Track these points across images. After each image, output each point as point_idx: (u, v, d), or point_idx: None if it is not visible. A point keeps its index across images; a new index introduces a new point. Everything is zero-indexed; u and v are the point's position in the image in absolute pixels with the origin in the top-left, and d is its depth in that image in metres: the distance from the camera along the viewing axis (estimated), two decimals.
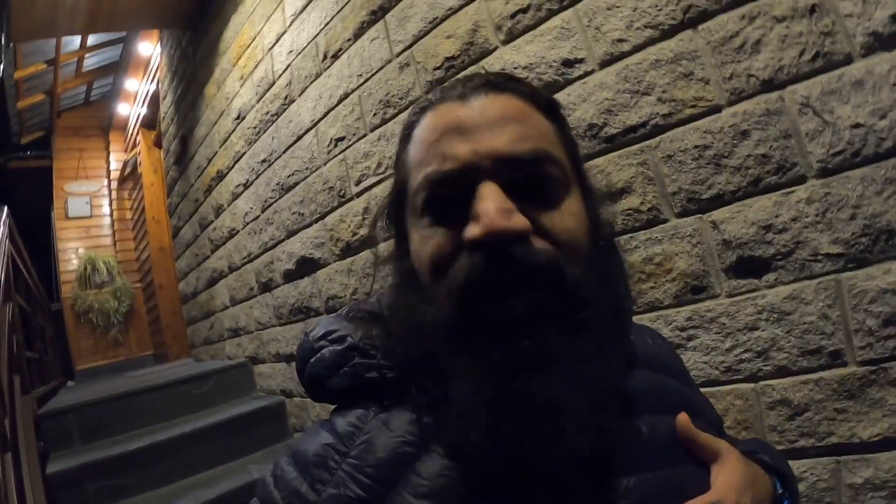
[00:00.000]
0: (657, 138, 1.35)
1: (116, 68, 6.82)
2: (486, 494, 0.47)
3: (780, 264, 1.19)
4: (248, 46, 3.21)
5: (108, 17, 4.10)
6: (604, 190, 0.68)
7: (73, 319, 6.93)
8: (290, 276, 2.93)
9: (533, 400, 0.45)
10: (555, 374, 0.46)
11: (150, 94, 5.92)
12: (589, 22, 1.46)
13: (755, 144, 1.20)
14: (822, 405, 1.15)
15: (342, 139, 2.39)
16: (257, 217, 3.22)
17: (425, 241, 0.54)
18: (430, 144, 0.55)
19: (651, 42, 1.35)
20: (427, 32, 1.92)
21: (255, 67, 3.13)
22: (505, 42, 1.67)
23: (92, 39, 5.90)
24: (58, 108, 7.14)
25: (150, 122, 6.27)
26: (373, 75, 2.19)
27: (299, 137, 2.72)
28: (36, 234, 5.30)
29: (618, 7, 1.40)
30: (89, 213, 7.46)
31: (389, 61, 2.10)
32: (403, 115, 2.02)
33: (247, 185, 3.31)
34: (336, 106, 2.42)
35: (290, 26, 2.76)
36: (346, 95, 2.35)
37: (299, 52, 2.68)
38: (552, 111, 0.59)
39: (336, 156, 2.45)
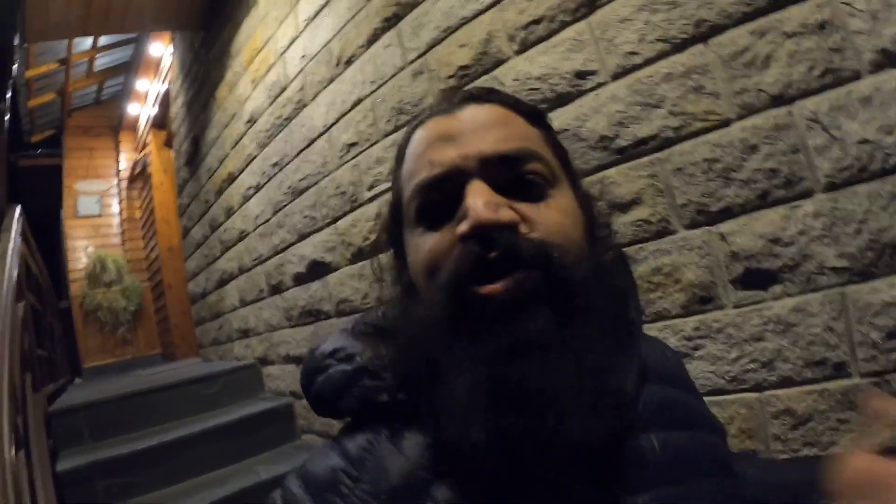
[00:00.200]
0: (667, 151, 1.37)
1: (128, 68, 6.85)
2: None
3: (787, 277, 1.20)
4: (261, 50, 3.23)
5: (120, 19, 4.13)
6: (596, 194, 0.69)
7: (82, 317, 6.95)
8: (300, 280, 2.94)
9: (527, 387, 0.44)
10: (548, 360, 0.45)
11: (160, 94, 5.95)
12: (602, 34, 1.47)
13: (764, 158, 1.22)
14: (826, 415, 1.16)
15: (355, 144, 2.41)
16: (268, 220, 3.23)
17: (420, 247, 0.55)
18: (419, 156, 0.57)
19: (663, 55, 1.37)
20: (441, 41, 1.94)
21: (268, 71, 3.15)
22: (518, 52, 1.69)
23: (104, 40, 5.94)
24: (68, 108, 7.17)
25: (160, 123, 6.30)
26: (386, 82, 2.20)
27: (312, 142, 2.73)
28: (45, 232, 5.33)
29: (630, 20, 1.42)
30: (99, 211, 7.49)
31: (403, 68, 2.12)
32: None
33: (258, 188, 3.33)
34: (349, 111, 2.44)
35: (303, 31, 2.78)
36: (360, 101, 2.36)
37: (312, 57, 2.70)
38: (536, 118, 0.60)
39: (349, 161, 2.46)
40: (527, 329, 0.46)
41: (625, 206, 1.44)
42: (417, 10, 2.04)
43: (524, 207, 0.51)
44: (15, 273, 2.58)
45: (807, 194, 1.17)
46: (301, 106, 2.82)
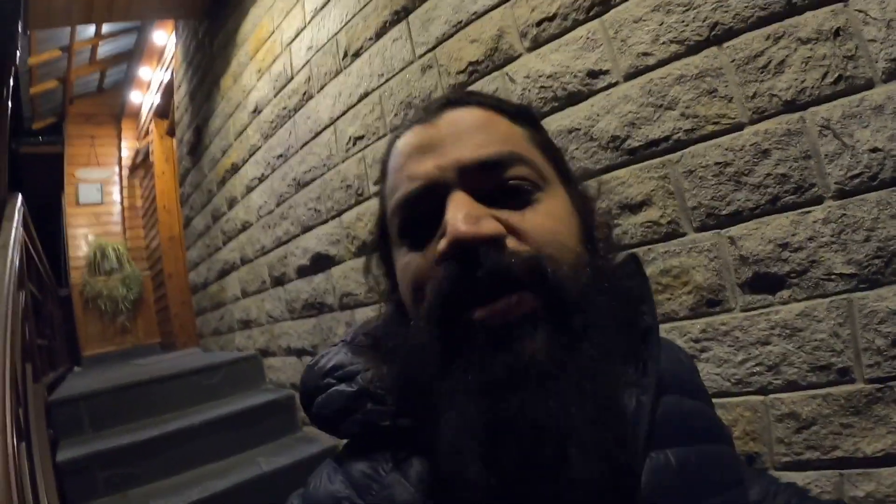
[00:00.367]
0: (679, 153, 1.37)
1: (130, 56, 6.83)
2: None
3: (795, 282, 1.21)
4: (267, 40, 3.22)
5: (125, 7, 4.13)
6: (595, 192, 0.65)
7: (82, 305, 6.96)
8: (303, 272, 2.95)
9: (525, 422, 0.42)
10: (545, 391, 0.42)
11: (163, 83, 5.92)
12: (615, 34, 1.47)
13: (775, 164, 1.22)
14: (829, 420, 1.17)
15: (361, 138, 2.41)
16: (272, 211, 3.23)
17: (405, 268, 0.52)
18: (399, 170, 0.54)
19: (676, 57, 1.37)
20: (451, 35, 1.94)
21: (274, 62, 3.14)
22: (530, 49, 1.69)
23: (106, 28, 5.92)
24: (71, 95, 7.14)
25: (163, 112, 6.28)
26: (394, 75, 2.20)
27: (317, 134, 2.73)
28: (46, 219, 5.33)
29: (644, 21, 1.42)
30: (100, 199, 7.49)
31: (412, 62, 2.11)
32: None
33: (262, 179, 3.33)
34: (356, 104, 2.43)
35: (310, 22, 2.77)
36: (367, 94, 2.36)
37: (319, 49, 2.69)
38: (521, 117, 0.58)
39: (355, 154, 2.46)
40: (521, 357, 0.43)
41: (635, 207, 1.45)
42: (427, 3, 2.03)
43: (510, 216, 0.49)
44: (17, 263, 2.58)
45: (817, 201, 1.18)
46: (307, 97, 2.82)
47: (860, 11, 1.10)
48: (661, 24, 1.38)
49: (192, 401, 3.27)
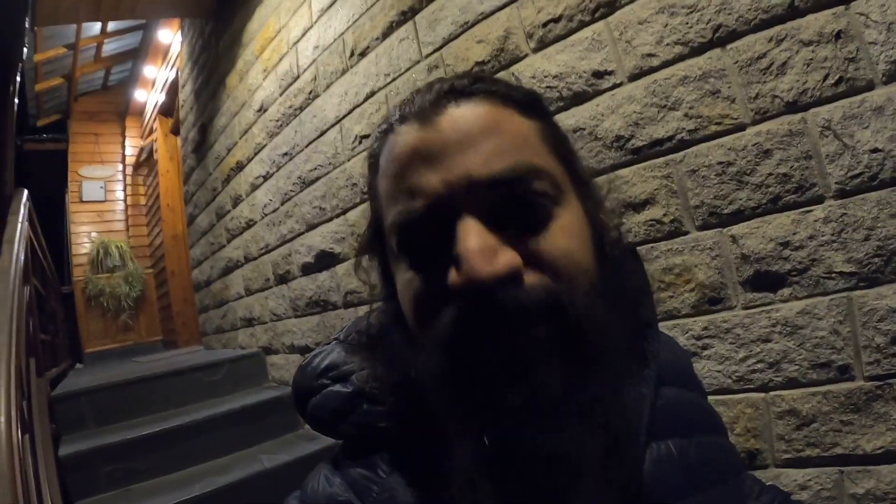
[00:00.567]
0: (682, 153, 1.39)
1: (135, 55, 6.85)
2: None
3: (796, 280, 1.23)
4: (273, 39, 3.24)
5: (132, 5, 4.14)
6: (605, 187, 0.62)
7: (84, 302, 6.97)
8: (308, 270, 2.96)
9: (539, 454, 0.41)
10: (561, 422, 0.42)
11: (168, 81, 5.94)
12: (620, 35, 1.49)
13: (777, 163, 1.24)
14: (829, 417, 1.18)
15: (367, 136, 2.42)
16: (276, 209, 3.25)
17: (407, 286, 0.49)
18: (396, 177, 0.49)
19: (680, 58, 1.39)
20: (457, 36, 1.95)
21: (280, 61, 3.15)
22: (536, 50, 1.70)
23: (112, 25, 5.93)
24: (75, 93, 7.15)
25: (167, 110, 6.30)
26: (400, 75, 2.22)
27: (323, 132, 2.74)
28: (49, 216, 5.34)
29: (649, 22, 1.43)
30: (103, 197, 7.50)
31: (418, 62, 2.13)
32: None
33: (267, 177, 3.34)
34: (362, 103, 2.45)
35: (316, 21, 2.79)
36: (373, 93, 2.38)
37: (326, 48, 2.71)
38: (531, 107, 0.52)
39: (360, 153, 2.48)
40: (536, 390, 0.42)
41: (638, 206, 1.46)
42: (434, 4, 2.05)
43: (527, 239, 0.45)
44: (22, 257, 2.60)
45: (818, 200, 1.19)
46: (313, 96, 2.83)
47: (861, 14, 1.12)
48: (666, 25, 1.40)
49: (194, 397, 3.28)
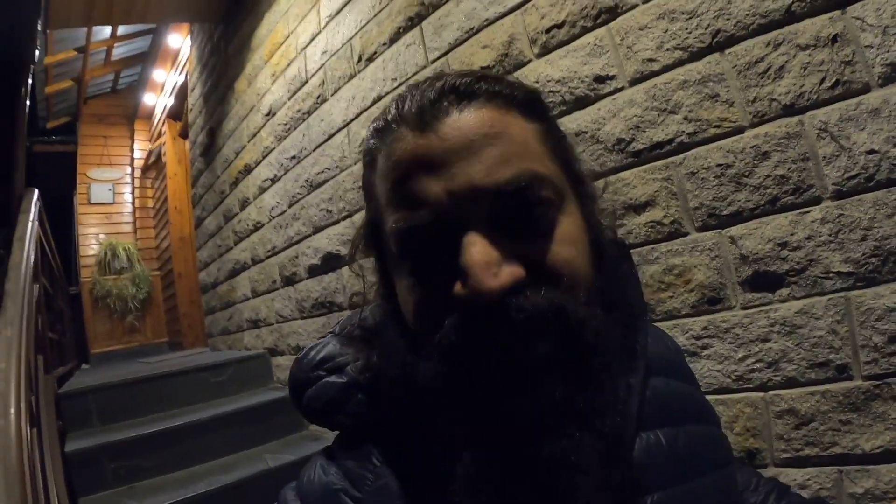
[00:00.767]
0: (682, 155, 1.41)
1: (145, 58, 6.89)
2: None
3: (794, 280, 1.24)
4: (282, 44, 3.27)
5: (143, 9, 4.19)
6: (601, 185, 0.62)
7: (91, 303, 6.99)
8: (314, 271, 2.98)
9: (542, 461, 0.41)
10: (564, 431, 0.42)
11: (177, 85, 5.99)
12: (621, 40, 1.52)
13: (774, 165, 1.26)
14: (828, 416, 1.19)
15: None
16: (284, 212, 3.27)
17: (409, 291, 0.49)
18: (396, 183, 0.48)
19: (680, 63, 1.41)
20: (463, 41, 1.98)
21: (288, 65, 3.19)
22: (539, 55, 1.73)
23: (122, 29, 5.97)
24: (85, 95, 7.19)
25: (176, 113, 6.35)
26: (407, 79, 2.24)
27: (330, 136, 2.77)
28: (57, 217, 5.38)
29: (649, 28, 1.46)
30: (111, 199, 7.53)
31: (424, 67, 2.16)
32: None
33: (274, 180, 3.37)
34: (369, 108, 2.47)
35: (324, 27, 2.82)
36: (380, 98, 2.40)
37: (333, 53, 2.74)
38: (532, 108, 0.52)
39: None
40: (540, 401, 0.42)
41: (639, 208, 1.48)
42: (440, 10, 2.08)
43: (529, 248, 0.46)
44: (32, 255, 2.62)
45: (815, 201, 1.21)
46: (321, 101, 2.86)
47: (857, 18, 1.14)
48: (666, 31, 1.42)
49: (200, 397, 3.30)
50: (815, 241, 1.21)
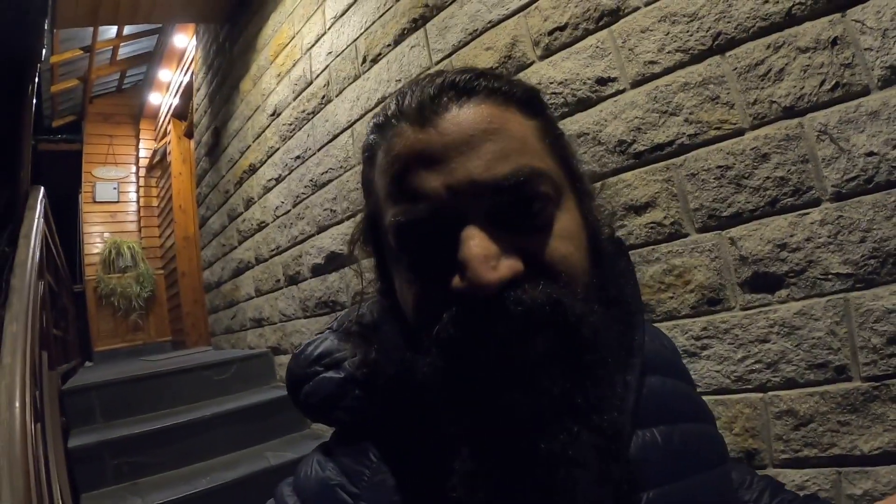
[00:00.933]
0: (682, 157, 1.41)
1: (150, 58, 6.93)
2: None
3: (793, 281, 1.24)
4: (287, 45, 3.28)
5: (148, 9, 4.20)
6: (599, 184, 0.62)
7: (95, 301, 7.01)
8: (318, 271, 2.98)
9: (540, 455, 0.42)
10: (562, 425, 0.42)
11: (183, 85, 6.02)
12: (623, 43, 1.52)
13: (774, 167, 1.26)
14: (827, 417, 1.19)
15: None
16: (288, 211, 3.28)
17: (408, 287, 0.49)
18: (395, 177, 0.48)
19: (681, 65, 1.42)
20: (467, 43, 1.99)
21: (293, 66, 3.20)
22: (542, 57, 1.74)
23: (128, 29, 6.00)
24: (90, 94, 7.23)
25: (181, 113, 6.36)
26: None
27: (335, 136, 2.78)
28: (62, 216, 5.40)
29: (651, 30, 1.46)
30: (116, 198, 7.56)
31: (428, 69, 2.16)
32: None
33: (279, 180, 3.38)
34: (373, 108, 2.48)
35: (330, 28, 2.84)
36: (384, 99, 2.41)
37: (338, 54, 2.75)
38: (531, 105, 0.52)
39: None
40: (538, 396, 0.42)
41: (640, 209, 1.49)
42: (444, 12, 2.09)
43: (527, 243, 0.46)
44: (38, 252, 2.64)
45: (814, 203, 1.22)
46: (325, 101, 2.87)
47: (857, 21, 1.15)
48: (667, 33, 1.43)
49: (202, 395, 3.30)
50: (814, 243, 1.21)
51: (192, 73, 5.37)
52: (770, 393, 1.28)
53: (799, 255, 1.23)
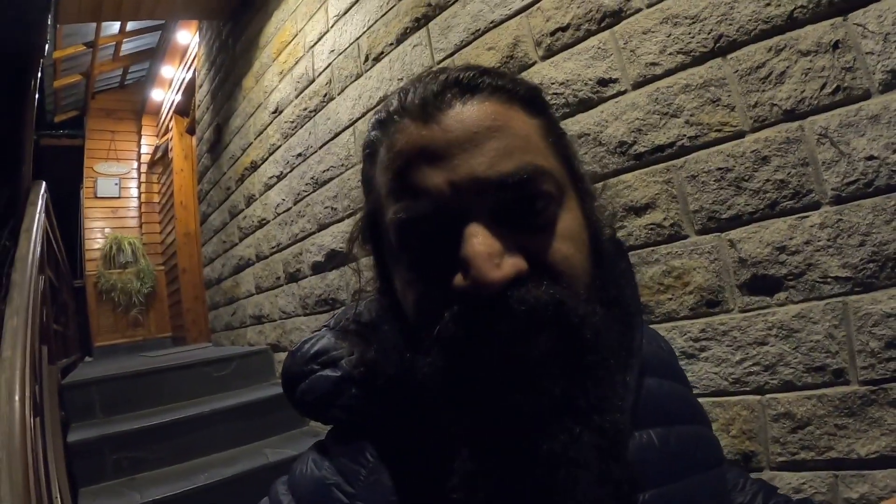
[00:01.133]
0: (683, 159, 1.42)
1: (153, 54, 6.93)
2: None
3: (792, 284, 1.25)
4: (290, 43, 3.29)
5: (152, 6, 4.21)
6: (601, 185, 0.62)
7: (95, 297, 7.02)
8: (318, 268, 2.99)
9: (541, 455, 0.42)
10: (564, 429, 0.42)
11: (185, 81, 6.01)
12: (625, 44, 1.53)
13: (774, 170, 1.27)
14: (824, 420, 1.19)
15: None
16: (289, 209, 3.28)
17: (408, 285, 0.49)
18: (398, 174, 0.48)
19: (682, 67, 1.42)
20: (469, 43, 1.99)
21: (296, 64, 3.21)
22: (544, 58, 1.74)
23: (131, 25, 6.00)
24: (93, 90, 7.23)
25: (183, 109, 6.36)
26: None
27: (336, 134, 2.78)
28: (63, 211, 5.40)
29: (653, 32, 1.47)
30: (117, 194, 7.56)
31: (430, 68, 2.13)
32: None
33: (280, 178, 3.38)
34: (375, 107, 2.48)
35: (332, 26, 2.84)
36: (386, 98, 2.39)
37: (341, 53, 2.76)
38: (534, 103, 0.52)
39: None
40: (539, 397, 0.42)
41: (640, 210, 1.49)
42: (447, 11, 2.09)
43: (529, 241, 0.46)
44: (39, 247, 2.65)
45: (814, 206, 1.22)
46: (328, 99, 2.88)
47: (859, 25, 1.15)
48: (669, 35, 1.44)
49: (202, 391, 3.30)
50: (813, 246, 1.21)
51: (195, 69, 5.38)
52: (768, 395, 1.28)
53: (798, 258, 1.23)
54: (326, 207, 2.88)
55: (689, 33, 1.40)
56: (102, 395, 3.01)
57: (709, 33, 1.36)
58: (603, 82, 1.58)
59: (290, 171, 3.26)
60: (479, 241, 0.43)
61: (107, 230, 7.38)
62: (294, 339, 3.33)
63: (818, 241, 1.21)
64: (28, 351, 1.80)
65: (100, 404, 2.99)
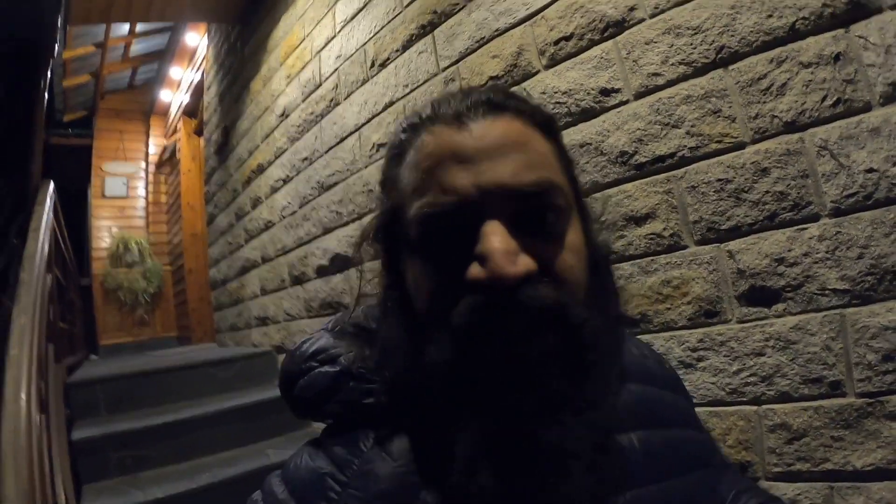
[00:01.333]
0: (683, 169, 1.42)
1: (162, 56, 6.96)
2: None
3: (790, 296, 1.25)
4: (297, 47, 3.31)
5: (161, 7, 4.23)
6: (601, 205, 0.67)
7: (102, 296, 7.06)
8: (323, 272, 3.00)
9: (539, 447, 0.44)
10: (562, 422, 0.44)
11: (193, 83, 6.05)
12: (627, 54, 1.53)
13: (774, 182, 1.27)
14: (820, 432, 1.20)
15: (384, 145, 2.46)
16: (294, 212, 3.30)
17: (423, 277, 0.51)
18: (427, 172, 0.51)
19: (684, 78, 1.42)
20: (473, 51, 2.00)
21: (303, 68, 3.22)
22: (547, 67, 1.75)
23: (140, 27, 6.04)
24: (102, 90, 7.26)
25: (191, 111, 6.40)
26: (418, 87, 2.27)
27: (342, 139, 2.80)
28: (71, 209, 5.43)
29: (655, 42, 1.47)
30: (125, 193, 7.58)
31: (435, 75, 2.18)
32: None
33: (286, 181, 3.40)
34: (381, 112, 2.50)
35: (339, 32, 2.86)
36: (391, 103, 2.43)
37: (347, 58, 2.77)
38: (550, 129, 0.56)
39: (377, 160, 2.51)
40: (541, 392, 0.45)
41: (640, 220, 1.50)
42: (452, 19, 2.10)
43: (542, 249, 0.49)
44: (46, 246, 2.67)
45: (813, 218, 1.22)
46: (334, 104, 2.89)
47: (860, 37, 1.16)
48: (671, 46, 1.44)
49: (206, 391, 3.31)
50: (811, 258, 1.22)
51: (203, 71, 5.40)
52: (764, 406, 1.28)
53: (796, 270, 1.24)
54: (332, 212, 2.89)
55: (691, 44, 1.40)
56: (107, 394, 3.03)
57: (711, 44, 1.37)
58: (605, 92, 1.59)
59: (297, 175, 3.27)
60: (498, 238, 0.46)
61: (114, 229, 7.40)
62: (298, 342, 3.31)
63: (817, 253, 1.21)
64: (35, 349, 1.82)
65: (104, 403, 3.00)
